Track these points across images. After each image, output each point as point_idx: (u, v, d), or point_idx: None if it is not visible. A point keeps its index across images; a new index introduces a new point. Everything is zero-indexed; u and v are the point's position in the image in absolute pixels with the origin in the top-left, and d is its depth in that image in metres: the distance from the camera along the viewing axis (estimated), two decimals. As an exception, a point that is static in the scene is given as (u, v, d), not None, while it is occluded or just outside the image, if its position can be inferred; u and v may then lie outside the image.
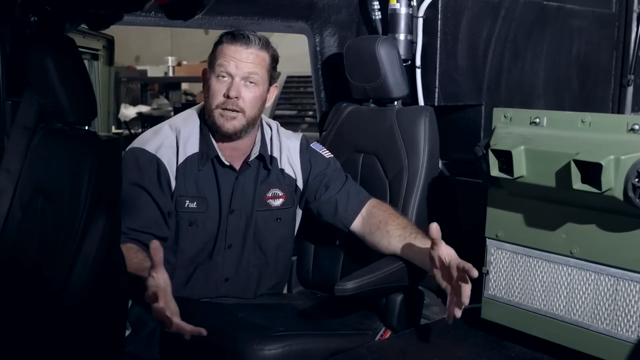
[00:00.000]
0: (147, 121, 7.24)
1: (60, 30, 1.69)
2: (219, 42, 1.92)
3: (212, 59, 1.91)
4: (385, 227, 1.91)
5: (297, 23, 2.38)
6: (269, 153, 2.02)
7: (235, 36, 1.89)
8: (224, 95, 1.88)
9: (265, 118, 2.08)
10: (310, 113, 6.45)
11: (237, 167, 1.98)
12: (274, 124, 2.11)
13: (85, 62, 3.41)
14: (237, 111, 1.88)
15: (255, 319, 1.90)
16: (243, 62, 1.88)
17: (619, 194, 1.44)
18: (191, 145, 1.94)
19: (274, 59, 1.95)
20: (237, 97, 1.87)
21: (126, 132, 6.96)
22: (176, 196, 1.91)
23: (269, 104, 1.97)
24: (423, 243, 1.81)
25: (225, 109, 1.88)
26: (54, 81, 1.47)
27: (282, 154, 2.05)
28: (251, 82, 1.89)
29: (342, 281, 1.78)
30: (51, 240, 1.45)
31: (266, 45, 1.92)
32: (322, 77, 2.49)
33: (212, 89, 1.90)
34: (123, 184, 1.81)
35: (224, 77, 1.88)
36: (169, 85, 8.33)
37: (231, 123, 1.89)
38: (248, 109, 1.90)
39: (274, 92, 1.99)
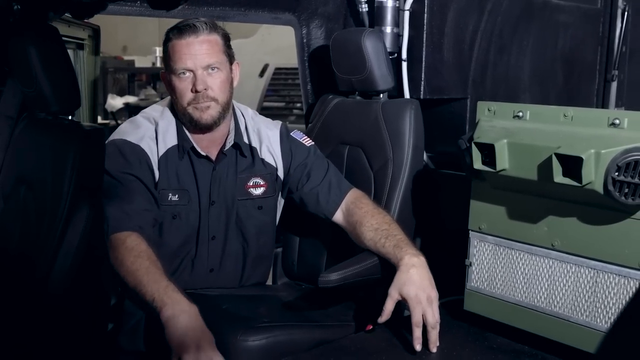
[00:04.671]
0: (134, 112, 7.19)
1: (44, 19, 1.68)
2: (167, 40, 1.88)
3: (167, 59, 1.88)
4: (360, 227, 1.90)
5: (284, 15, 2.37)
6: (247, 142, 2.02)
7: (181, 29, 1.85)
8: (191, 92, 1.86)
9: (237, 105, 2.07)
10: (299, 105, 6.42)
11: (214, 157, 1.98)
12: (249, 111, 2.09)
13: (70, 51, 3.38)
14: (210, 100, 1.88)
15: (240, 310, 1.90)
16: (198, 53, 1.85)
17: (599, 187, 1.45)
18: (170, 137, 1.93)
19: (226, 38, 1.93)
20: (205, 89, 1.86)
21: (113, 122, 6.92)
22: (159, 189, 1.90)
23: (236, 82, 1.96)
24: (387, 250, 1.80)
25: (198, 102, 1.87)
26: (37, 70, 1.47)
27: (262, 143, 2.04)
28: (213, 69, 1.87)
29: (326, 272, 1.79)
30: (34, 230, 1.45)
31: (214, 27, 1.89)
32: (308, 69, 2.48)
33: (177, 89, 1.88)
34: (112, 173, 1.79)
35: (184, 74, 1.86)
36: (156, 76, 8.26)
37: (208, 113, 1.88)
38: (219, 96, 1.89)
39: (237, 70, 1.98)
